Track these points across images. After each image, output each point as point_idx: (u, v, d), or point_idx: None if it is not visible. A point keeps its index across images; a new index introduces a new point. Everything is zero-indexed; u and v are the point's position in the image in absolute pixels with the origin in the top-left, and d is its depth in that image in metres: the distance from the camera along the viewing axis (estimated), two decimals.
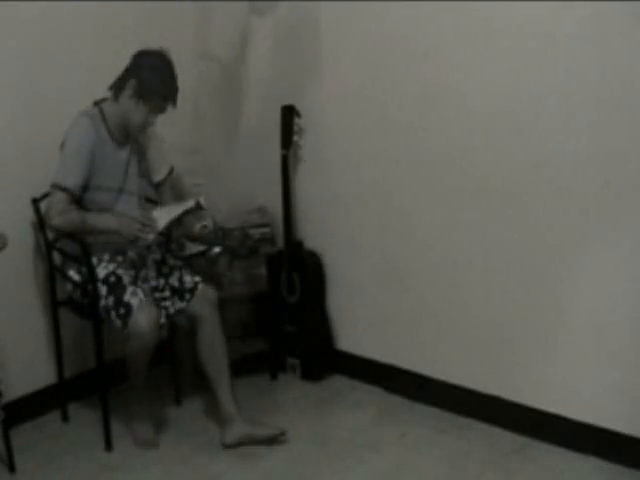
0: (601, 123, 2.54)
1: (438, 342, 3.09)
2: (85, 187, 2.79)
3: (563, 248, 2.70)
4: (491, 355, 2.96)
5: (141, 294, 2.73)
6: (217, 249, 2.97)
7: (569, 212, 2.67)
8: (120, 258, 2.85)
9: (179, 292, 2.89)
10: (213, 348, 2.87)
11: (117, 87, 2.83)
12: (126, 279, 2.78)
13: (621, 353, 2.64)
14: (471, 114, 2.82)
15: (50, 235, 2.92)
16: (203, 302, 2.88)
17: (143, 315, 2.68)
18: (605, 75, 2.50)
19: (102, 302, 2.76)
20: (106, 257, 2.83)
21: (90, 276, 2.77)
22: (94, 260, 2.79)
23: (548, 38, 2.59)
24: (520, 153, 2.74)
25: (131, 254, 2.89)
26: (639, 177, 2.50)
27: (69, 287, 2.92)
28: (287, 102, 3.19)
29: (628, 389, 2.64)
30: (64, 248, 2.89)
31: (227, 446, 2.83)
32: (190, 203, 2.83)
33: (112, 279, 2.77)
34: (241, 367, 3.39)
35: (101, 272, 2.79)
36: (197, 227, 3.40)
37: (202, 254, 3.28)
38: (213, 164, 3.69)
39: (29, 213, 2.91)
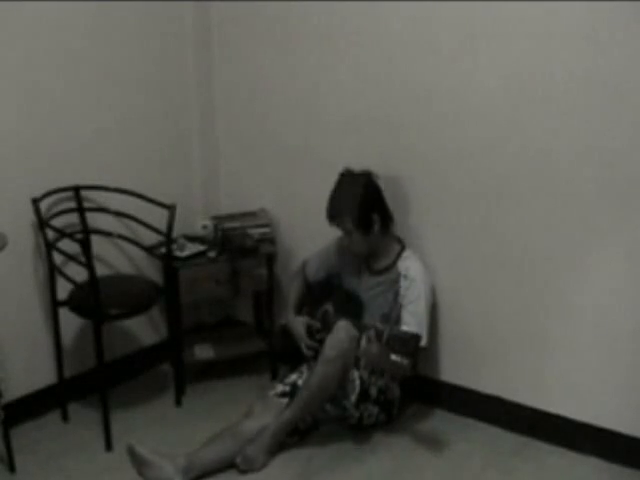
0: (601, 123, 2.54)
1: (438, 343, 3.09)
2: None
3: (564, 249, 2.70)
4: (491, 355, 2.96)
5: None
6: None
7: (569, 214, 2.67)
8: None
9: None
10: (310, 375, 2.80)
11: None
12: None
13: (621, 353, 2.65)
14: (470, 114, 2.82)
15: (50, 235, 2.92)
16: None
17: None
18: (605, 75, 2.50)
19: None
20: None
21: (91, 276, 2.77)
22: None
23: (548, 38, 2.59)
24: (519, 153, 2.74)
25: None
26: (639, 176, 2.51)
27: None
28: None
29: (628, 389, 2.65)
30: None
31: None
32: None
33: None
34: (241, 367, 3.41)
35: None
36: (197, 227, 3.42)
37: (202, 254, 3.29)
38: (214, 165, 3.69)
39: (29, 213, 2.91)
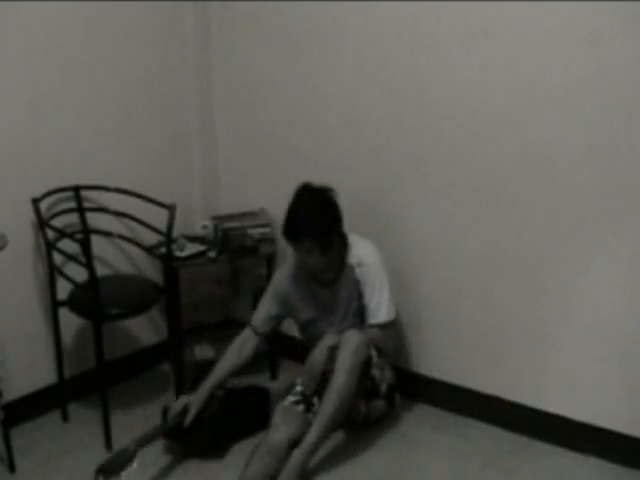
0: (600, 123, 2.54)
1: (438, 342, 3.09)
2: None
3: (563, 249, 2.70)
4: (491, 355, 2.96)
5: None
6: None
7: (568, 214, 2.67)
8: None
9: None
10: (330, 388, 2.67)
11: None
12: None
13: (621, 353, 2.65)
14: (470, 114, 2.82)
15: (50, 235, 2.92)
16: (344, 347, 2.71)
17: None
18: (605, 75, 2.50)
19: None
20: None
21: (91, 276, 2.77)
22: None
23: (547, 38, 2.59)
24: (519, 153, 2.73)
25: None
26: (638, 176, 2.51)
27: None
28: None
29: (628, 389, 2.65)
30: None
31: None
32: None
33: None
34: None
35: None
36: (197, 227, 3.42)
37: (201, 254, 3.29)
38: (214, 165, 3.70)
39: (29, 213, 2.91)
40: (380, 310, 2.82)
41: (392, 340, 2.94)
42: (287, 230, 2.77)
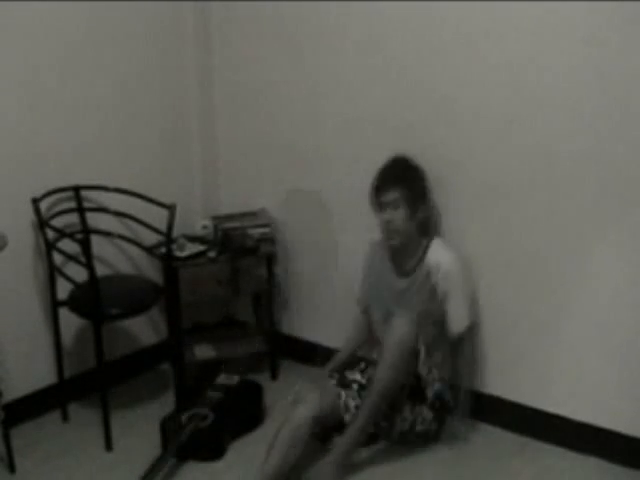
0: (601, 123, 2.54)
1: None
2: None
3: (563, 249, 2.70)
4: (491, 355, 2.96)
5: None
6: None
7: (568, 213, 2.67)
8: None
9: None
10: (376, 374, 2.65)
11: None
12: None
13: (621, 353, 2.65)
14: (470, 114, 2.82)
15: (50, 235, 2.92)
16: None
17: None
18: (604, 75, 2.50)
19: None
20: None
21: (91, 276, 2.77)
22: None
23: (548, 38, 2.59)
24: (520, 152, 2.74)
25: None
26: (639, 175, 2.51)
27: None
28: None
29: (628, 389, 2.65)
30: None
31: None
32: None
33: None
34: (242, 367, 3.40)
35: None
36: (197, 227, 3.42)
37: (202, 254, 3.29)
38: (214, 165, 3.70)
39: (29, 213, 2.91)
40: (459, 320, 2.80)
41: (468, 349, 2.87)
42: (377, 183, 2.78)
